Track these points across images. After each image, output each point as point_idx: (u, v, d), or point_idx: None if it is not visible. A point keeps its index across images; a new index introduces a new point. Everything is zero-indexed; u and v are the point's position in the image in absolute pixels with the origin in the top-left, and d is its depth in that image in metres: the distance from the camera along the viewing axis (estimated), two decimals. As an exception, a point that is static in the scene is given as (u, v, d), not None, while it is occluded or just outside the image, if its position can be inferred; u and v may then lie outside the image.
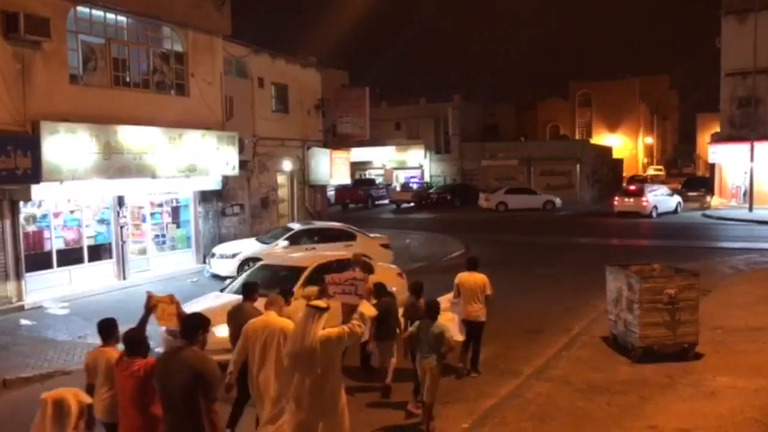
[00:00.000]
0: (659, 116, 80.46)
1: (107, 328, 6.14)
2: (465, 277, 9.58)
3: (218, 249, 17.90)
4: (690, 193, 37.02)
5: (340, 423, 6.09)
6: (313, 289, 8.04)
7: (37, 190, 13.93)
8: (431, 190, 44.32)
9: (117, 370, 5.46)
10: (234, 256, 17.10)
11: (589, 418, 7.73)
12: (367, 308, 6.43)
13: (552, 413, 7.91)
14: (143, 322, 6.10)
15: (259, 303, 7.35)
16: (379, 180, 50.43)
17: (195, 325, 5.15)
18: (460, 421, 7.86)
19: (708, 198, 36.39)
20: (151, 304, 6.39)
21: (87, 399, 4.42)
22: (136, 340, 5.60)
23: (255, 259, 16.92)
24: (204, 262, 18.37)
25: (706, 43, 39.05)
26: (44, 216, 15.13)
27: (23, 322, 12.80)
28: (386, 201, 45.00)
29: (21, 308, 13.84)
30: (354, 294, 6.45)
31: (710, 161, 39.62)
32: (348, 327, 6.00)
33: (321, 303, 6.00)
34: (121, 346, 5.76)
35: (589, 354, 10.31)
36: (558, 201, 39.08)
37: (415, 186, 46.21)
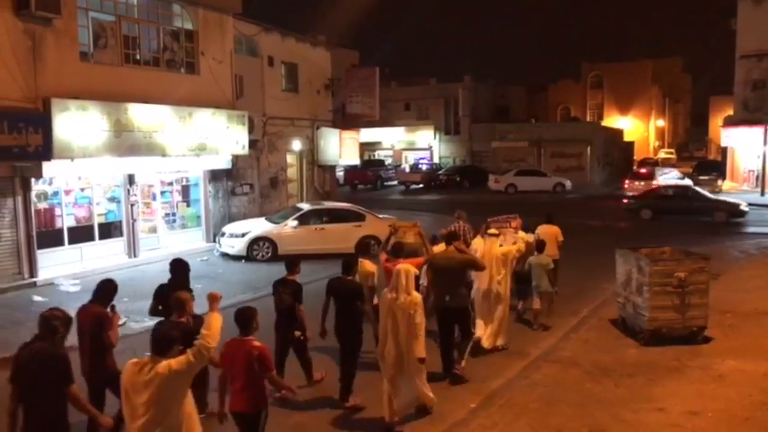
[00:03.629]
0: (671, 99, 79.49)
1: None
2: (544, 228, 12.51)
3: (228, 228, 17.96)
4: (701, 177, 36.62)
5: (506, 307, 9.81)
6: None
7: (48, 167, 13.96)
8: (440, 172, 44.11)
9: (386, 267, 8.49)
10: (243, 235, 17.17)
11: (597, 399, 7.76)
12: (525, 236, 11.00)
13: (559, 395, 7.95)
14: (388, 241, 9.47)
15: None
16: (388, 161, 50.27)
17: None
18: (467, 401, 7.90)
19: (719, 182, 36.05)
20: (394, 228, 9.64)
21: (416, 270, 6.90)
22: (400, 248, 8.79)
23: (264, 239, 17.05)
24: (214, 241, 18.45)
25: (720, 25, 38.43)
26: (55, 193, 15.20)
27: (36, 298, 12.91)
28: (395, 182, 44.89)
29: (33, 285, 13.98)
30: (509, 227, 10.91)
31: (722, 145, 39.29)
32: (517, 248, 9.83)
33: (494, 231, 9.81)
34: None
35: (598, 336, 10.34)
36: (568, 183, 38.90)
37: (424, 167, 45.94)
